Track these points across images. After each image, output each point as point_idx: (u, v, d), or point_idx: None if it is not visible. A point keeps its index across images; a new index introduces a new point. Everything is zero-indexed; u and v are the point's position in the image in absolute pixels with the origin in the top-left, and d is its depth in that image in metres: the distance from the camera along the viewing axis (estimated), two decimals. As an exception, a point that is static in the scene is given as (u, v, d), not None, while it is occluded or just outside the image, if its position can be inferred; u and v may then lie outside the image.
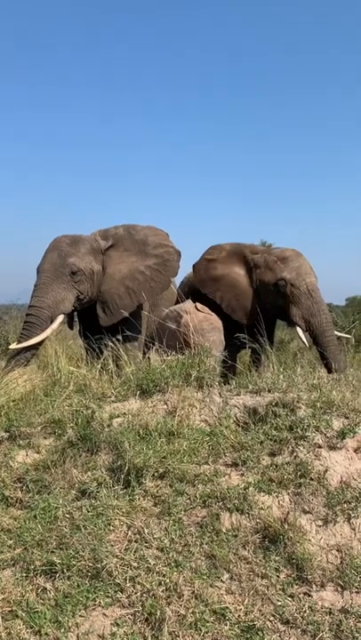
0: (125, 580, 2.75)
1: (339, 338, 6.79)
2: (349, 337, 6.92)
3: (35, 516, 3.13)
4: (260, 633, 2.56)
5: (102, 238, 5.76)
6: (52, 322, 5.23)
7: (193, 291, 6.75)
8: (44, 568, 2.81)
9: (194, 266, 6.84)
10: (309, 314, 6.05)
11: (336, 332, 6.55)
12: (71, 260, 5.34)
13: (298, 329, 6.12)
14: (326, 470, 3.34)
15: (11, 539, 3.01)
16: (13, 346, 5.15)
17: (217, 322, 5.57)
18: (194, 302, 5.88)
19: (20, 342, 5.10)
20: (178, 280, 7.29)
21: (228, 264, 6.55)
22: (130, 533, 3.01)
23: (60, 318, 5.31)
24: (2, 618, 2.59)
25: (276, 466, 3.41)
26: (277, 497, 3.23)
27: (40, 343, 5.22)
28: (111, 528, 3.04)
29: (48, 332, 5.19)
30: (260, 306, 6.30)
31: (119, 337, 5.31)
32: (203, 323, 5.36)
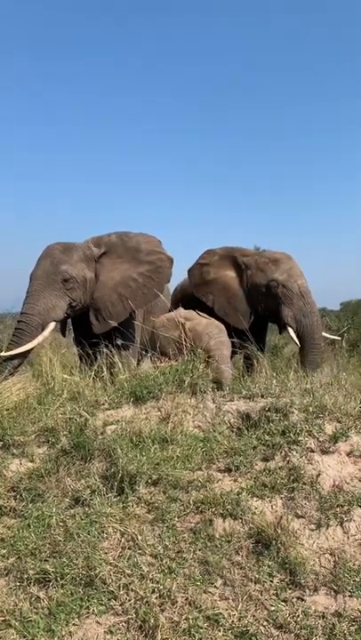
0: (119, 587, 2.75)
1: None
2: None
3: (28, 525, 3.13)
4: (253, 638, 2.56)
5: (95, 245, 5.77)
6: (42, 329, 5.22)
7: (186, 298, 6.78)
8: (37, 577, 2.81)
9: (188, 270, 6.88)
10: (302, 314, 6.08)
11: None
12: (63, 268, 5.35)
13: (290, 330, 6.14)
14: (319, 474, 3.35)
15: (4, 548, 3.01)
16: (3, 354, 5.13)
17: (221, 325, 5.62)
18: (186, 310, 5.90)
19: (9, 349, 5.09)
20: (171, 287, 7.31)
21: (220, 267, 6.60)
22: (123, 540, 3.02)
23: (52, 326, 5.30)
24: (-5, 627, 2.59)
25: (269, 471, 3.43)
26: (270, 502, 3.24)
27: (30, 351, 5.21)
28: (105, 535, 3.04)
29: (39, 339, 5.18)
30: (251, 308, 6.33)
31: (114, 343, 5.32)
32: (209, 326, 5.44)
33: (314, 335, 6.07)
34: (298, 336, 6.12)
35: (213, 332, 5.35)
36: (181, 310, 5.82)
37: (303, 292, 6.14)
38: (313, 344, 6.06)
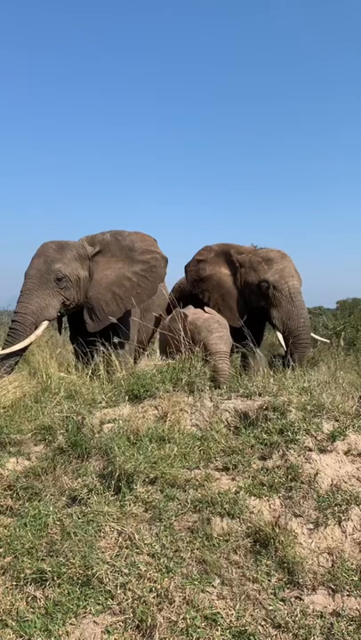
0: (116, 586, 2.73)
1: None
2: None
3: (25, 524, 3.11)
4: (251, 638, 2.54)
5: (89, 244, 5.76)
6: (36, 328, 5.22)
7: (184, 296, 6.78)
8: (34, 576, 2.80)
9: (185, 266, 6.87)
10: (288, 317, 6.07)
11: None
12: (57, 267, 5.34)
13: (277, 333, 6.15)
14: (317, 473, 3.34)
15: (0, 547, 2.99)
16: None
17: (223, 319, 5.61)
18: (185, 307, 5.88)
19: (4, 348, 5.10)
20: (169, 286, 7.30)
21: (215, 264, 6.62)
22: (120, 540, 3.00)
23: (45, 324, 5.31)
24: (-9, 627, 2.57)
25: (267, 469, 3.42)
26: (268, 501, 3.23)
27: (24, 349, 5.21)
28: (102, 534, 3.02)
29: (32, 337, 5.18)
30: (245, 306, 6.33)
31: (111, 341, 5.31)
32: (209, 320, 5.41)
33: (300, 336, 6.05)
34: (284, 337, 6.13)
35: (213, 326, 5.32)
36: (191, 308, 5.82)
37: (293, 293, 6.13)
38: (297, 343, 6.04)
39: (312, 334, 6.46)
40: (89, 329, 5.60)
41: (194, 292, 6.57)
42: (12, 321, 5.28)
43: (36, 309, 5.22)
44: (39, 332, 5.24)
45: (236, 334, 5.78)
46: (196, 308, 5.90)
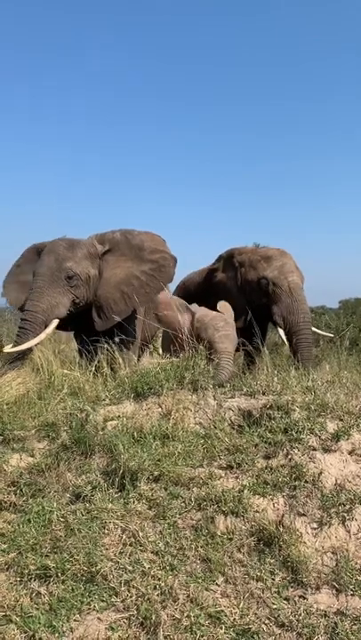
0: (120, 583, 2.74)
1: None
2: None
3: (29, 520, 3.11)
4: (255, 636, 2.55)
5: (99, 243, 5.76)
6: (46, 326, 5.22)
7: (188, 295, 6.81)
8: (38, 572, 2.80)
9: (204, 278, 7.02)
10: (288, 312, 6.09)
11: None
12: (68, 265, 5.34)
13: (279, 329, 6.16)
14: (321, 473, 3.34)
15: (5, 543, 2.99)
16: (7, 349, 5.14)
17: (230, 319, 5.62)
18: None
19: (14, 346, 5.10)
20: (173, 285, 7.32)
21: (222, 270, 6.72)
22: (124, 537, 3.00)
23: (55, 323, 5.30)
24: (-4, 623, 2.57)
25: (271, 468, 3.41)
26: (272, 500, 3.23)
27: (32, 348, 5.21)
28: (106, 532, 3.02)
29: (42, 336, 5.18)
30: (246, 305, 6.36)
31: (115, 339, 5.32)
32: (216, 318, 5.43)
33: (300, 332, 6.07)
34: (285, 333, 6.14)
35: (220, 324, 5.33)
36: (195, 306, 5.85)
37: (293, 288, 6.15)
38: (298, 340, 6.05)
39: (314, 329, 6.48)
40: (97, 327, 5.60)
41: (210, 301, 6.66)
42: (22, 319, 5.28)
43: (47, 308, 5.22)
44: (49, 330, 5.25)
45: (240, 333, 5.78)
46: (199, 306, 5.92)
